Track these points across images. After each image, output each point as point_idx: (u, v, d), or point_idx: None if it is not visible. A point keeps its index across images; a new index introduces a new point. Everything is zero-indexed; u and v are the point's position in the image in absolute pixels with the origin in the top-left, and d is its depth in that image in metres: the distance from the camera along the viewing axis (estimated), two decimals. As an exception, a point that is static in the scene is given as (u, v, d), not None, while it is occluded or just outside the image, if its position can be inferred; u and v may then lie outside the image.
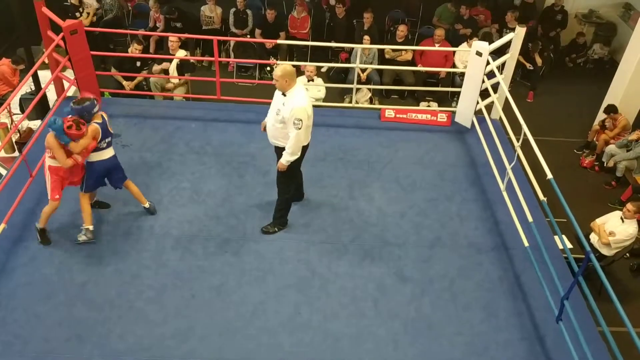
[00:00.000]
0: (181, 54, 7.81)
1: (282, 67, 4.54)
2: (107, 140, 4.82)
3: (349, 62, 9.13)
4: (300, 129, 4.52)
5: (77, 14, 9.41)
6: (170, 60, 7.80)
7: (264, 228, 5.20)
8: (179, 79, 7.85)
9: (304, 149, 4.82)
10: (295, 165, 4.89)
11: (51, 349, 4.13)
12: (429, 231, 5.34)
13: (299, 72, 9.09)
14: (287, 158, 4.71)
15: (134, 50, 7.75)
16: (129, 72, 7.87)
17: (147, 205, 5.21)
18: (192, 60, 9.18)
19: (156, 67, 7.82)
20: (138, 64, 7.91)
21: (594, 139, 8.47)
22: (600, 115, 8.64)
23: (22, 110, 7.23)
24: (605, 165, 8.06)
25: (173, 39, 7.72)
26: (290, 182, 5.07)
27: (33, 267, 4.69)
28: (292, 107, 4.50)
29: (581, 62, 10.89)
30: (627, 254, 6.50)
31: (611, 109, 8.17)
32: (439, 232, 5.33)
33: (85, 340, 4.19)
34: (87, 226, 4.87)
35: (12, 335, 4.18)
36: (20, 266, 4.69)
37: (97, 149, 4.75)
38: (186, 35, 8.95)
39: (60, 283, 4.58)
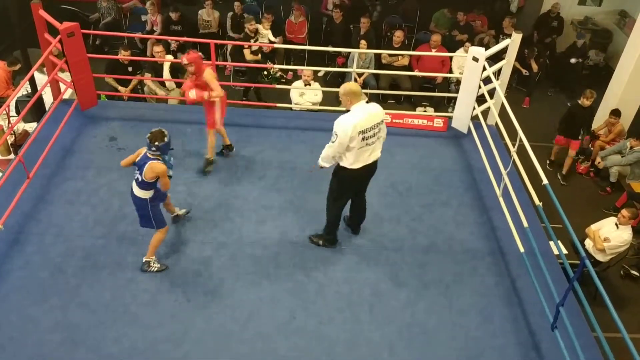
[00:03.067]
0: (169, 58, 7.82)
1: (343, 86, 4.50)
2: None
3: (346, 67, 9.15)
4: (333, 142, 4.41)
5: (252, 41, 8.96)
6: (159, 70, 7.77)
7: (311, 236, 5.17)
8: (174, 84, 7.85)
9: (355, 174, 4.61)
10: (343, 186, 4.76)
11: (45, 353, 4.10)
12: (424, 236, 5.34)
13: (296, 76, 9.14)
14: (318, 160, 4.64)
15: (122, 56, 7.72)
16: (122, 78, 7.84)
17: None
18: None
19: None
20: (130, 69, 7.87)
21: (590, 146, 8.50)
22: (597, 122, 8.68)
23: (18, 113, 7.22)
24: (594, 162, 8.09)
25: (158, 49, 7.69)
26: (336, 202, 4.89)
27: (28, 270, 4.67)
28: (337, 120, 4.42)
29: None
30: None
31: (615, 112, 8.18)
32: (434, 238, 5.33)
33: (80, 344, 4.17)
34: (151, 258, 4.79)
35: (6, 339, 4.15)
36: (15, 269, 4.67)
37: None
38: (184, 38, 8.96)
39: (54, 286, 4.56)
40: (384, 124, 4.61)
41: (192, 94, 5.37)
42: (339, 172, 4.65)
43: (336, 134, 4.38)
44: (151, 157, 4.41)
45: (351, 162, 4.51)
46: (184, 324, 4.38)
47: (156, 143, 4.39)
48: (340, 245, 5.17)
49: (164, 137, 4.44)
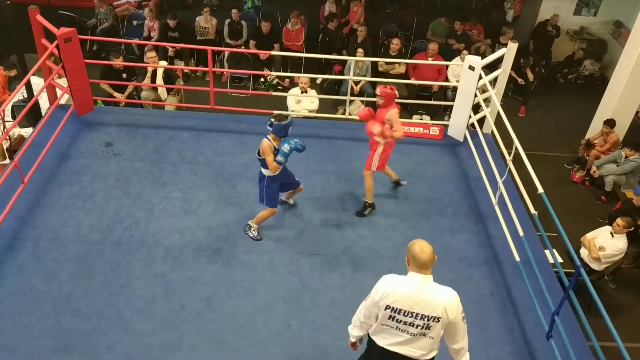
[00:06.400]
0: (162, 64, 7.81)
1: (411, 242, 3.30)
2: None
3: (343, 74, 9.18)
4: (366, 300, 3.42)
5: None
6: (153, 75, 7.77)
7: None
8: (171, 89, 7.85)
9: (376, 351, 3.43)
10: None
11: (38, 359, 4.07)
12: (420, 244, 5.33)
13: (293, 83, 9.15)
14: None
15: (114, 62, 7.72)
16: (116, 84, 7.83)
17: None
18: (184, 70, 9.23)
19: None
20: (124, 75, 7.87)
21: (585, 154, 8.54)
22: (592, 131, 8.73)
23: (14, 118, 7.20)
24: (589, 171, 8.13)
25: (150, 55, 7.68)
26: None
27: (21, 276, 4.65)
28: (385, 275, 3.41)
29: (572, 78, 11.03)
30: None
31: (609, 122, 8.22)
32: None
33: (73, 351, 4.14)
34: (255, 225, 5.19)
35: (-2, 345, 4.13)
36: (9, 275, 4.64)
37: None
38: (181, 45, 8.98)
39: (48, 293, 4.53)
40: (447, 326, 3.24)
41: (377, 129, 5.28)
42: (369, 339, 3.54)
43: (370, 292, 3.37)
44: (268, 136, 4.72)
45: (373, 329, 3.42)
46: (178, 331, 4.35)
47: (272, 119, 4.64)
48: (335, 253, 5.17)
49: (283, 119, 4.65)
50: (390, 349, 3.35)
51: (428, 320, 3.20)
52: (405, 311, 3.21)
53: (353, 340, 3.59)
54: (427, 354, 3.34)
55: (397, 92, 5.42)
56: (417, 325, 3.23)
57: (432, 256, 3.20)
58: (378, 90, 5.32)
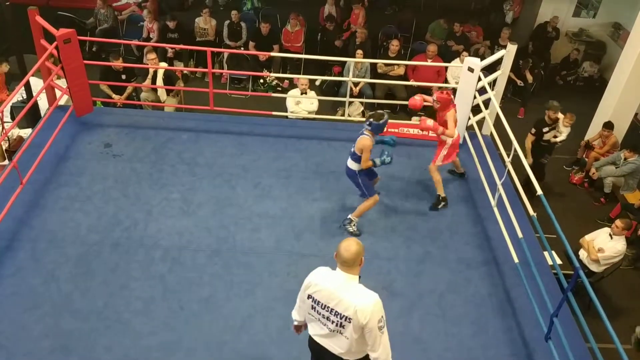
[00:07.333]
0: (162, 66, 7.82)
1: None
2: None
3: (342, 76, 9.19)
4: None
5: None
6: (153, 76, 7.78)
7: None
8: (170, 91, 7.85)
9: (309, 340, 3.54)
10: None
11: (36, 361, 4.07)
12: (419, 245, 5.34)
13: (293, 84, 9.16)
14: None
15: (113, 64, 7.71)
16: (115, 85, 7.82)
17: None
18: (184, 71, 9.24)
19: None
20: (123, 77, 7.86)
21: (584, 156, 8.54)
22: (591, 133, 8.74)
23: (13, 119, 7.20)
24: (588, 173, 8.13)
25: (151, 56, 7.69)
26: None
27: (19, 277, 4.64)
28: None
29: (571, 80, 11.03)
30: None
31: (608, 125, 8.23)
32: (429, 247, 5.33)
33: (71, 352, 4.13)
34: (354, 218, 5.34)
35: (-4, 346, 4.12)
36: (7, 276, 4.64)
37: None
38: (180, 46, 8.99)
39: (46, 293, 4.53)
40: (363, 330, 3.17)
41: (430, 122, 5.58)
42: None
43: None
44: (365, 133, 4.91)
45: (307, 318, 3.50)
46: (177, 333, 4.35)
47: (371, 119, 4.88)
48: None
49: (381, 118, 4.89)
50: (316, 339, 3.43)
51: (341, 318, 3.22)
52: (322, 304, 3.27)
53: (295, 323, 3.63)
54: (345, 354, 3.34)
55: (452, 96, 5.69)
56: (333, 322, 3.26)
57: (357, 257, 3.21)
58: (434, 96, 5.58)
